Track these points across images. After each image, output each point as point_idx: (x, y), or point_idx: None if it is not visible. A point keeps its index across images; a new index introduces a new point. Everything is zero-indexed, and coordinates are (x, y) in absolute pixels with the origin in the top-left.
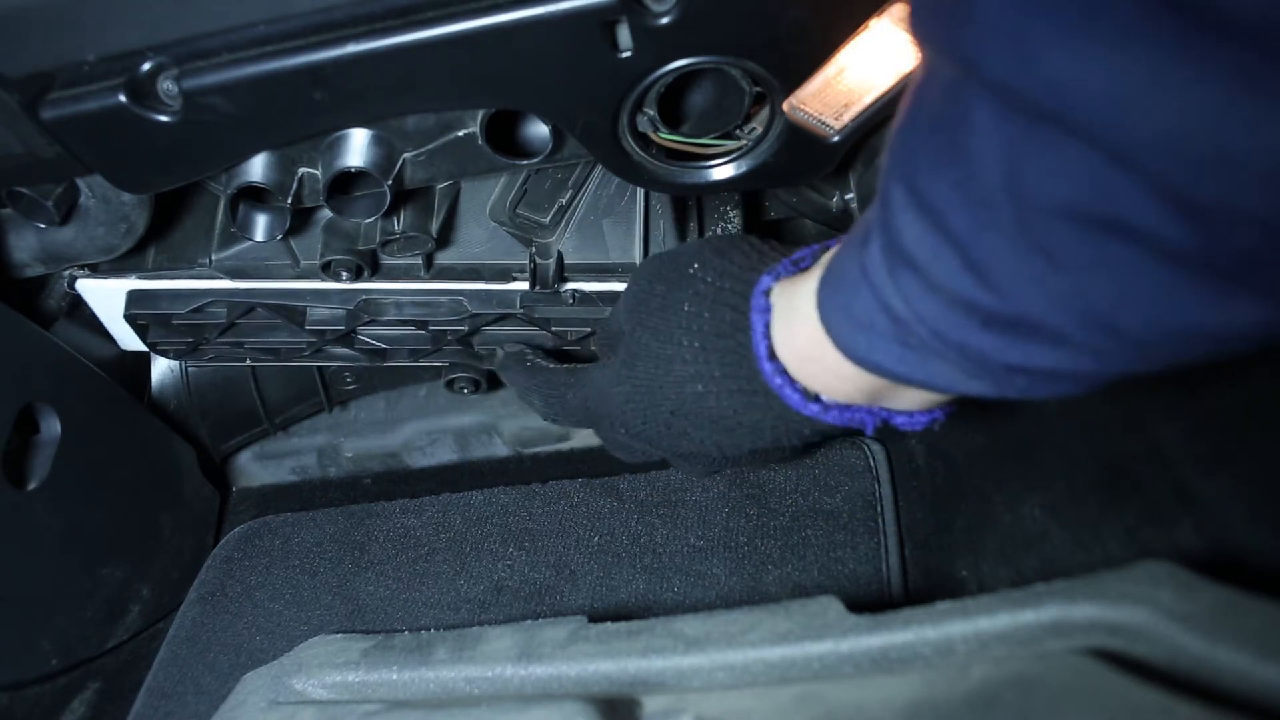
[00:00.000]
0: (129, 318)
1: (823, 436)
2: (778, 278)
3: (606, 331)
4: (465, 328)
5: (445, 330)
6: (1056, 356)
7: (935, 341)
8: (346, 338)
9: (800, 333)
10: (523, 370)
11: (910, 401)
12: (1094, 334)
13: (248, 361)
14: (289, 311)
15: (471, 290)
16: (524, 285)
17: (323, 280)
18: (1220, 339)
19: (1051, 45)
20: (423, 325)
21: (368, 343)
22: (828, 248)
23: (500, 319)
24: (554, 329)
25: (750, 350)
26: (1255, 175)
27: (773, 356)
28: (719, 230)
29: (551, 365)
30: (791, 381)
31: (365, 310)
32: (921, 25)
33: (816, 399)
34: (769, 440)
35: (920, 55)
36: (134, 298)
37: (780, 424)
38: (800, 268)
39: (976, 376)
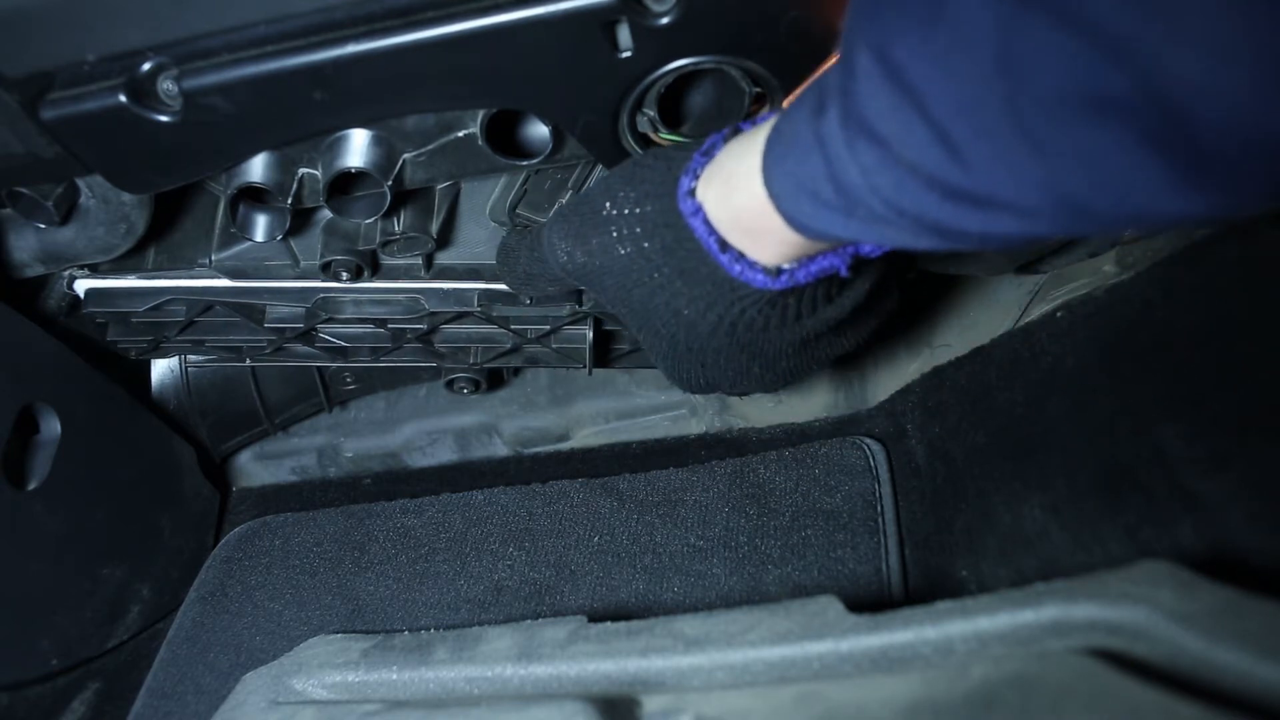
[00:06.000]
0: (88, 315)
1: (819, 315)
2: (696, 175)
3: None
4: (424, 326)
5: (404, 328)
6: (1014, 225)
7: (888, 211)
8: (307, 336)
9: (745, 209)
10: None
11: None
12: (1062, 214)
13: (249, 362)
14: (248, 309)
15: (429, 289)
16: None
17: (286, 280)
18: (1176, 221)
19: None
20: (381, 324)
21: (329, 341)
22: (738, 129)
23: (458, 317)
24: (513, 327)
25: (704, 253)
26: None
27: (725, 247)
28: None
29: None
30: (751, 264)
31: (323, 308)
32: None
33: (779, 271)
34: (756, 337)
35: None
36: (92, 295)
37: (758, 311)
38: (711, 156)
39: (927, 238)
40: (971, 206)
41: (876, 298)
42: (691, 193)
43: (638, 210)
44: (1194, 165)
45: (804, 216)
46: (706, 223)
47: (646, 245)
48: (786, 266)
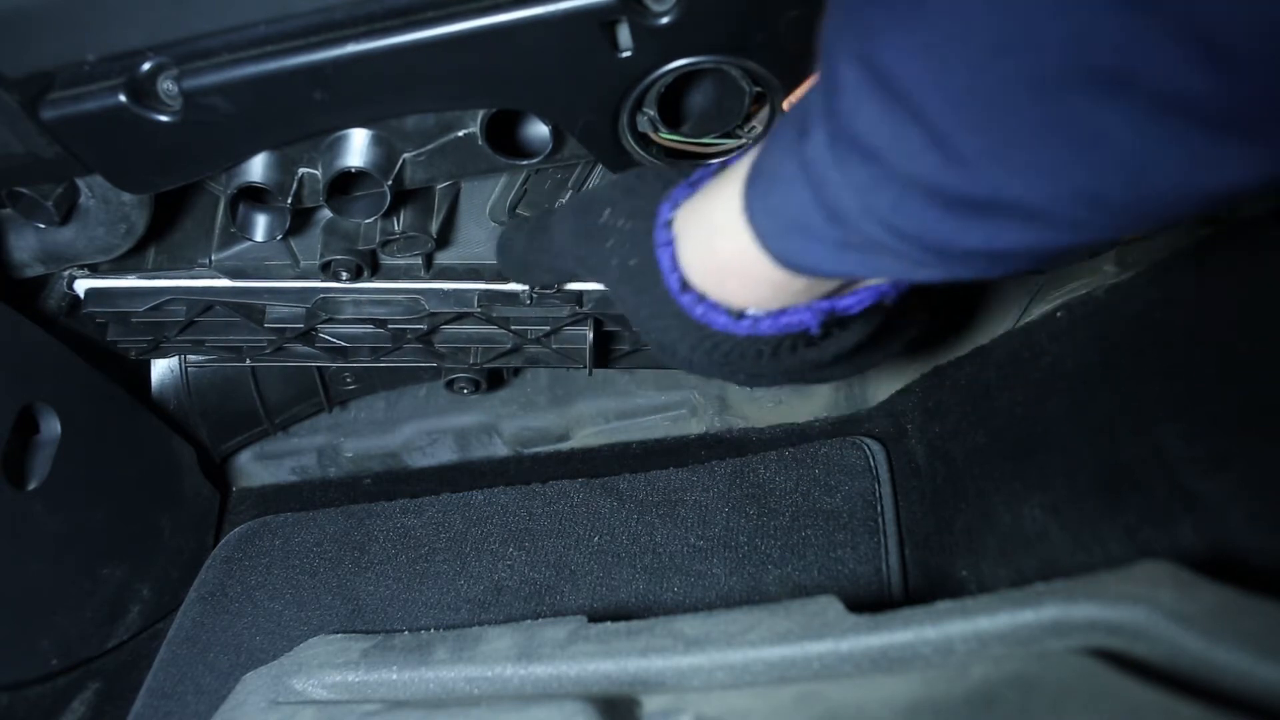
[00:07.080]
0: (87, 315)
1: (803, 363)
2: (676, 205)
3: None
4: (424, 326)
5: (404, 329)
6: (1025, 234)
7: (886, 235)
8: (307, 336)
9: (722, 249)
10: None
11: (854, 287)
12: (1076, 208)
13: (249, 362)
14: (247, 309)
15: (429, 289)
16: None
17: (286, 280)
18: (1210, 199)
19: None
20: (381, 324)
21: (329, 341)
22: (726, 164)
23: (458, 318)
24: (513, 328)
25: (667, 287)
26: None
27: (686, 288)
28: None
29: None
30: (714, 305)
31: (323, 309)
32: None
33: (742, 315)
34: (735, 363)
35: None
36: (92, 295)
37: (730, 346)
38: (696, 189)
39: (928, 265)
40: (976, 216)
41: (876, 340)
42: (669, 224)
43: (627, 226)
44: (1227, 120)
45: (793, 254)
46: (673, 258)
47: (632, 263)
48: (752, 313)
